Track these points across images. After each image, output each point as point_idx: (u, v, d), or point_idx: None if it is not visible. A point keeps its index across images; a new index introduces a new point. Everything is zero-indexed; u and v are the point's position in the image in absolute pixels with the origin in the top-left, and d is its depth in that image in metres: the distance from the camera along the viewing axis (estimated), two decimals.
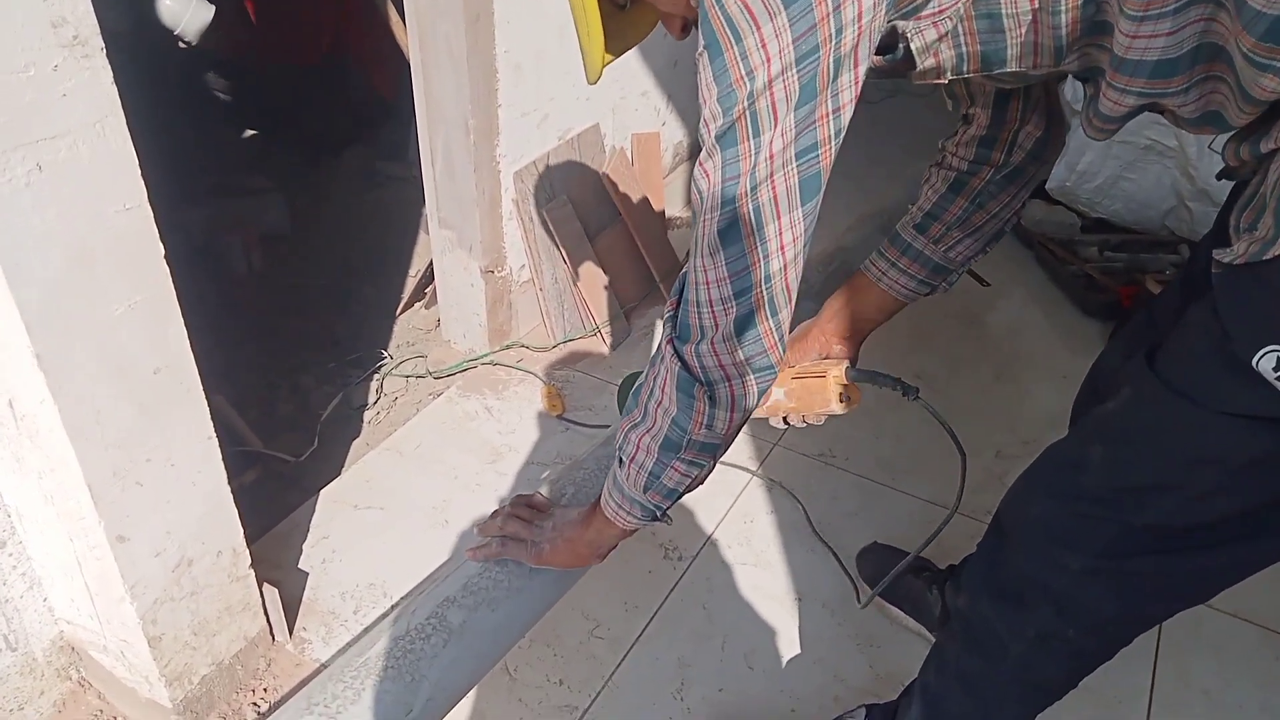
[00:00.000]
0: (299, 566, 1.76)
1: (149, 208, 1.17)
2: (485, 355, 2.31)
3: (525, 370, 2.24)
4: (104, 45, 1.06)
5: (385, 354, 2.40)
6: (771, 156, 0.80)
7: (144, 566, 1.31)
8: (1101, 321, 2.42)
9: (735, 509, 1.88)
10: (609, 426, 2.08)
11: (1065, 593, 1.04)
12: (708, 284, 0.86)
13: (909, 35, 0.90)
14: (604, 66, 0.97)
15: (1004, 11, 0.88)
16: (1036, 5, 0.86)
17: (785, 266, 0.85)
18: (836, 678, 1.56)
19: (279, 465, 2.03)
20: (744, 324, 0.87)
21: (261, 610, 1.55)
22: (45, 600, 1.44)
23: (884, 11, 0.81)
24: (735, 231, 0.83)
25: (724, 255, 0.84)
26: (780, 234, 0.84)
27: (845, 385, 1.20)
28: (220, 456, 1.38)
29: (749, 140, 0.80)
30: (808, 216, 0.84)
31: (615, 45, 0.97)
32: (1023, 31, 0.89)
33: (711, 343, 0.88)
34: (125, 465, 1.23)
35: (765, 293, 0.86)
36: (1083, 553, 1.01)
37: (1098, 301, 2.44)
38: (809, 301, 1.69)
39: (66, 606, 1.44)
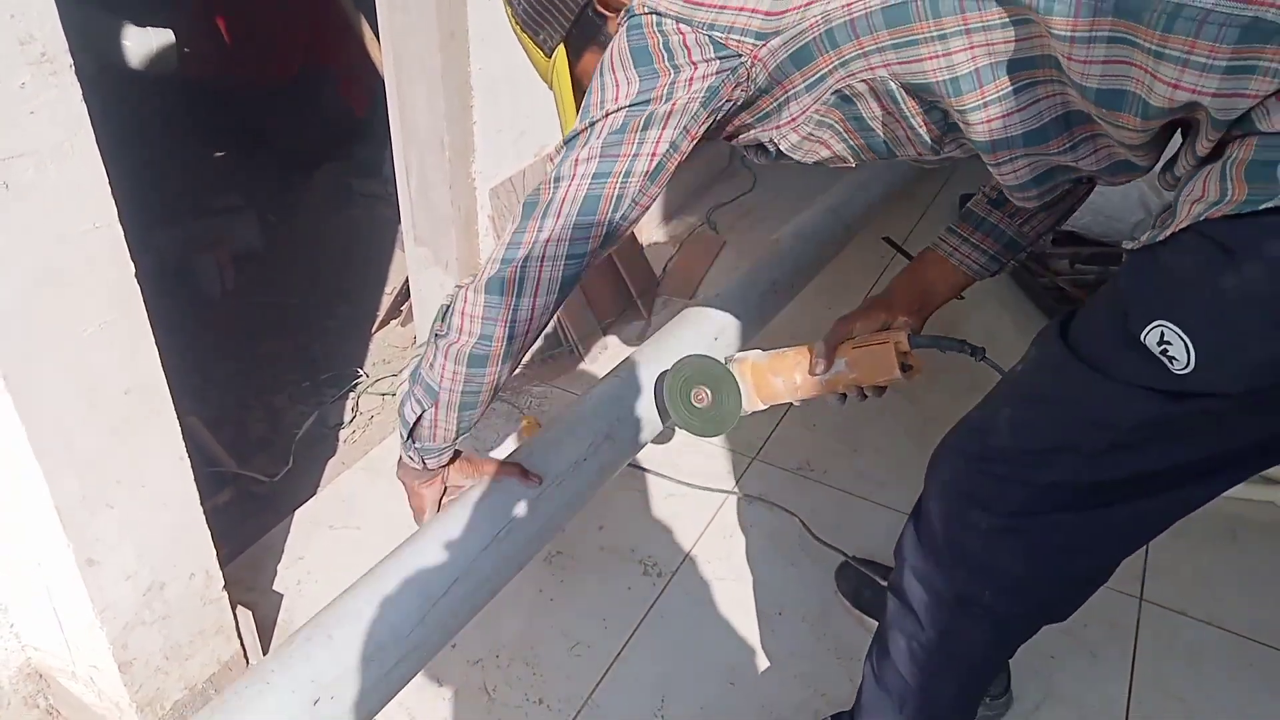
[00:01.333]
0: (274, 588, 1.73)
1: (119, 227, 1.15)
2: None
3: (502, 399, 2.23)
4: (72, 62, 1.05)
5: (361, 372, 2.38)
6: (576, 162, 0.99)
7: (114, 590, 1.28)
8: None
9: (714, 524, 1.87)
10: None
11: (977, 552, 1.08)
12: (500, 243, 1.02)
13: (776, 141, 1.09)
14: None
15: (864, 115, 1.03)
16: (886, 109, 1.01)
17: (544, 259, 0.99)
18: (817, 691, 1.56)
19: (253, 486, 2.01)
20: (492, 287, 1.00)
21: (235, 633, 1.53)
22: (12, 626, 1.41)
23: (700, 104, 1.00)
24: (531, 208, 1.00)
25: (515, 224, 1.01)
26: (553, 229, 0.99)
27: (907, 352, 1.22)
28: (193, 477, 1.36)
29: (579, 147, 1.00)
30: (578, 230, 0.99)
31: None
32: (884, 130, 1.03)
33: (468, 289, 1.01)
34: (95, 487, 1.21)
35: (519, 271, 0.99)
36: (991, 511, 1.05)
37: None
38: (745, 308, 1.70)
39: (34, 632, 1.41)
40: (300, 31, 3.35)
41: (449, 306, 1.04)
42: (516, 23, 1.13)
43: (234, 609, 1.51)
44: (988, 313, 2.56)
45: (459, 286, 1.04)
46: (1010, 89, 0.91)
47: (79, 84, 1.06)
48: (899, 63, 0.94)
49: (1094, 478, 0.98)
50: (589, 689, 1.55)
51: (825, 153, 1.08)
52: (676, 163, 1.02)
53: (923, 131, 1.01)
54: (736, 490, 1.95)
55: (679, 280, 2.70)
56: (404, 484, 1.23)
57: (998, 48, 0.89)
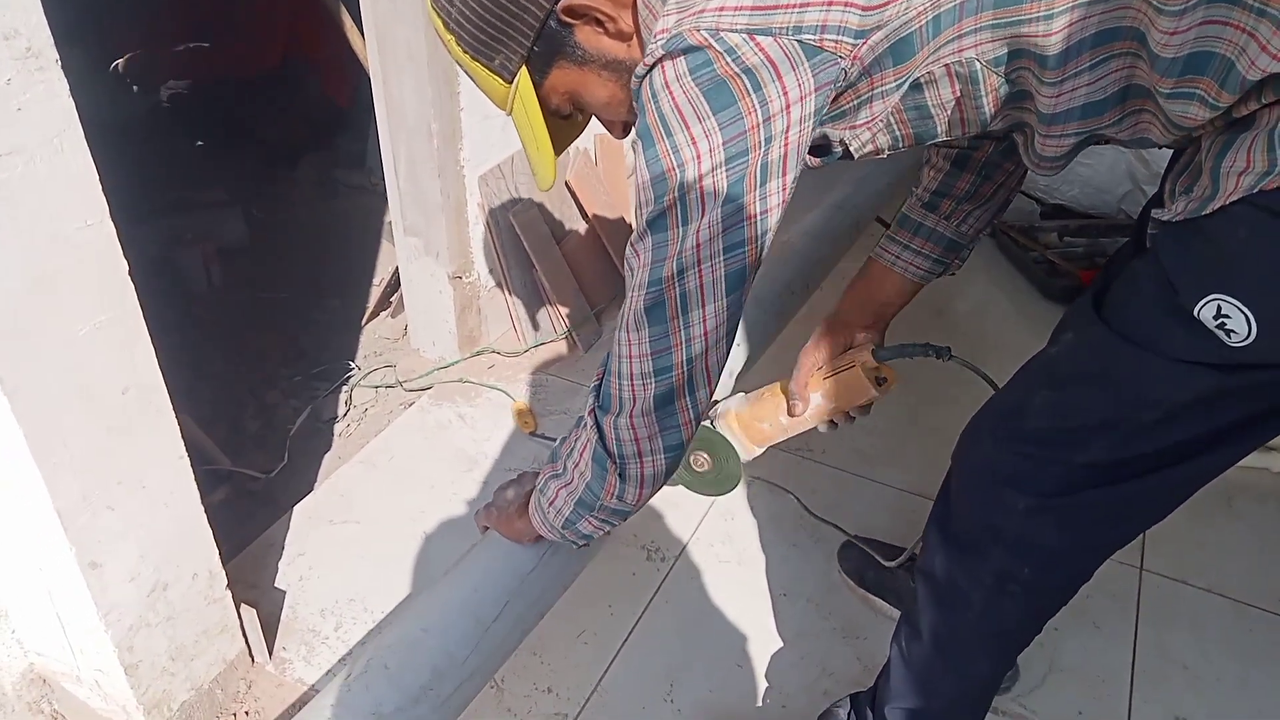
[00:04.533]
0: (276, 585, 1.72)
1: (111, 224, 1.13)
2: (456, 362, 2.29)
3: (494, 388, 2.21)
4: (58, 57, 1.03)
5: (353, 365, 2.37)
6: (699, 245, 0.85)
7: (118, 593, 1.27)
8: (1063, 305, 2.45)
9: (715, 507, 1.87)
10: None
11: (1015, 533, 1.08)
12: (630, 358, 0.91)
13: (846, 141, 0.98)
14: (555, 170, 1.03)
15: (930, 103, 0.95)
16: (959, 94, 0.93)
17: (706, 350, 0.90)
18: (825, 671, 1.56)
19: (249, 483, 1.99)
20: (662, 401, 0.91)
21: (240, 632, 1.52)
22: (14, 632, 1.40)
23: (812, 128, 0.87)
24: (660, 312, 0.88)
25: (648, 333, 0.89)
26: (704, 320, 0.89)
27: (876, 367, 1.22)
28: (193, 476, 1.34)
29: (678, 227, 0.85)
30: (731, 307, 0.89)
31: (559, 146, 1.03)
32: (948, 114, 0.96)
33: (630, 416, 0.92)
34: (95, 489, 1.20)
35: (685, 373, 0.90)
36: (1028, 493, 1.05)
37: (1059, 286, 2.48)
38: (760, 312, 1.71)
39: (37, 638, 1.39)
40: (280, 22, 3.31)
41: (603, 438, 0.95)
42: (465, 51, 0.96)
43: (238, 607, 1.50)
44: (978, 288, 2.57)
45: (592, 418, 0.97)
46: (1089, 64, 0.87)
47: (66, 79, 1.04)
48: (992, 40, 0.88)
49: (1133, 452, 0.97)
50: (597, 676, 1.55)
51: (869, 148, 1.01)
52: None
53: (987, 109, 0.95)
54: None
55: None
56: (500, 530, 1.18)
57: (1091, 22, 0.85)
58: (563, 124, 1.04)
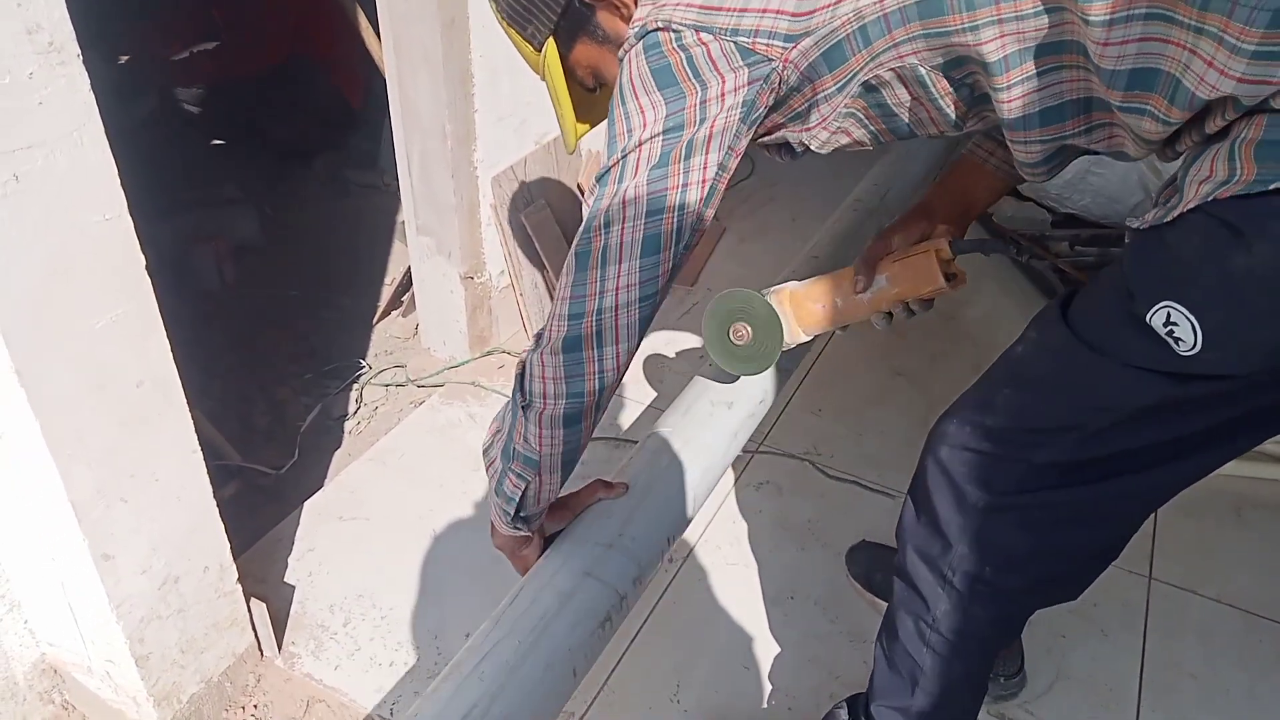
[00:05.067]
0: (285, 580, 1.73)
1: (129, 218, 1.14)
2: (466, 361, 2.30)
3: (502, 394, 2.22)
4: (80, 52, 1.04)
5: (363, 363, 2.38)
6: (625, 203, 0.93)
7: (130, 584, 1.28)
8: None
9: (722, 511, 1.88)
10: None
11: (975, 530, 1.09)
12: (557, 299, 0.96)
13: (806, 141, 1.05)
14: (579, 136, 1.14)
15: (889, 102, 1.00)
16: (914, 95, 0.98)
17: (617, 308, 0.94)
18: (831, 674, 1.56)
19: (259, 479, 2.00)
20: (570, 345, 0.95)
21: (249, 625, 1.53)
22: (26, 623, 1.41)
23: (740, 119, 0.96)
24: (586, 259, 0.94)
25: (572, 277, 0.95)
26: (619, 276, 0.93)
27: (950, 260, 1.15)
28: (205, 470, 1.35)
29: (615, 184, 0.94)
30: (645, 271, 0.94)
31: (588, 118, 1.14)
32: (910, 113, 1.01)
33: (543, 353, 0.96)
34: (109, 482, 1.21)
35: (595, 323, 0.94)
36: (989, 490, 1.06)
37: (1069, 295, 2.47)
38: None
39: (49, 628, 1.40)
40: (287, 18, 3.32)
41: (522, 375, 0.99)
42: (503, 18, 1.08)
43: (248, 601, 1.51)
44: (987, 295, 2.57)
45: (526, 354, 0.99)
46: (1035, 72, 0.90)
47: (86, 74, 1.05)
48: (929, 49, 0.93)
49: (1090, 454, 0.98)
50: (604, 675, 1.56)
51: (845, 140, 1.06)
52: (727, 181, 0.98)
53: (949, 111, 0.99)
54: (745, 475, 1.95)
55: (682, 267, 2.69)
56: (504, 551, 1.14)
57: (1028, 34, 0.88)
58: (591, 97, 1.13)
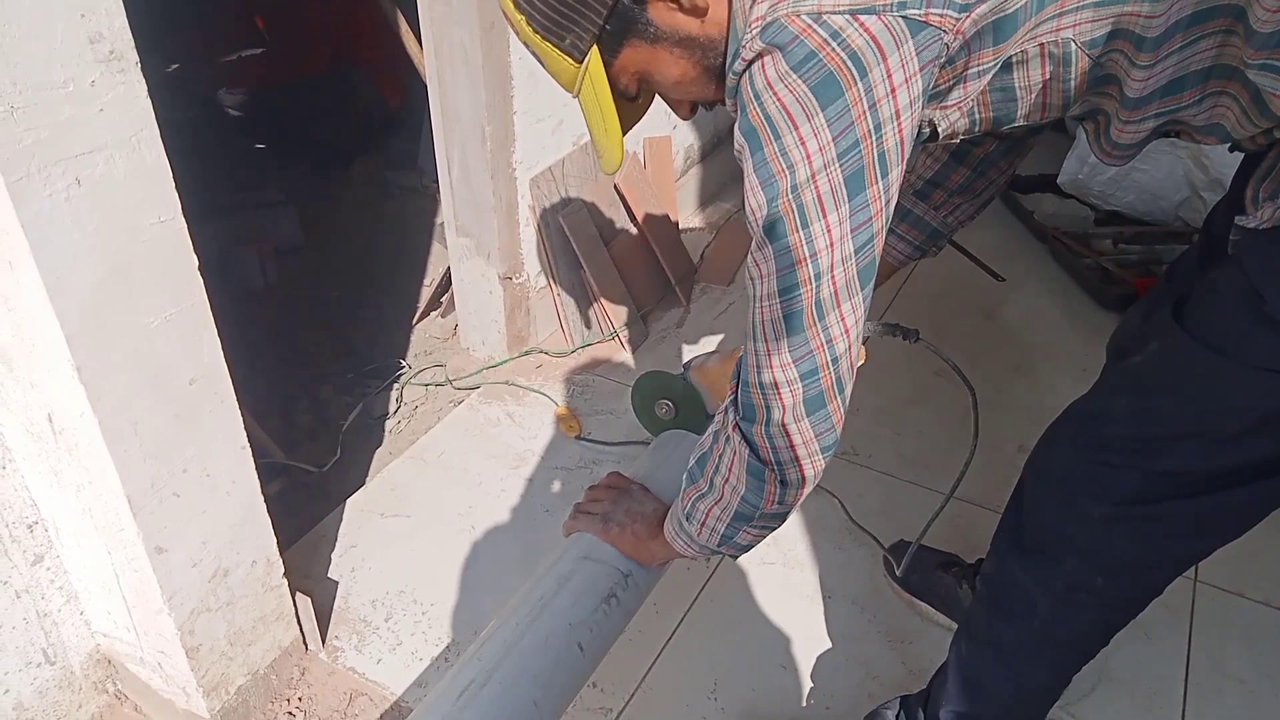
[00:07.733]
0: (329, 575, 1.76)
1: (183, 220, 1.17)
2: (504, 361, 2.32)
3: (539, 392, 2.24)
4: (138, 59, 1.07)
5: (403, 363, 2.41)
6: (831, 247, 0.84)
7: (181, 577, 1.31)
8: (1118, 313, 2.42)
9: None
10: (628, 443, 2.08)
11: (1089, 542, 1.07)
12: (771, 367, 0.90)
13: (936, 121, 0.96)
14: (622, 154, 1.02)
15: (1017, 84, 0.93)
16: (1048, 76, 0.91)
17: (850, 348, 0.90)
18: (870, 674, 1.56)
19: (303, 476, 2.04)
20: (814, 404, 0.91)
21: (295, 619, 1.56)
22: (82, 614, 1.45)
23: (919, 109, 0.83)
24: (797, 320, 0.87)
25: (788, 342, 0.88)
26: (843, 320, 0.88)
27: None
28: (253, 466, 1.38)
29: (798, 232, 0.83)
30: (866, 299, 0.89)
31: (624, 128, 1.01)
32: (1033, 97, 0.94)
33: (782, 424, 0.92)
34: (163, 476, 1.24)
35: (833, 374, 0.90)
36: (1104, 500, 1.04)
37: (1114, 294, 2.45)
38: None
39: (103, 619, 1.44)
40: (331, 25, 3.38)
41: (774, 460, 0.94)
42: (535, 31, 0.92)
43: (293, 595, 1.54)
44: (1029, 294, 2.54)
45: (724, 435, 0.97)
46: (1180, 45, 0.86)
47: (144, 81, 1.09)
48: (1093, 20, 0.86)
49: (1215, 463, 0.96)
50: (641, 673, 1.57)
51: (950, 131, 0.99)
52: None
53: (1072, 94, 0.93)
54: None
55: (716, 267, 2.70)
56: (658, 559, 1.17)
57: (1187, 5, 0.83)
58: (627, 105, 1.01)
